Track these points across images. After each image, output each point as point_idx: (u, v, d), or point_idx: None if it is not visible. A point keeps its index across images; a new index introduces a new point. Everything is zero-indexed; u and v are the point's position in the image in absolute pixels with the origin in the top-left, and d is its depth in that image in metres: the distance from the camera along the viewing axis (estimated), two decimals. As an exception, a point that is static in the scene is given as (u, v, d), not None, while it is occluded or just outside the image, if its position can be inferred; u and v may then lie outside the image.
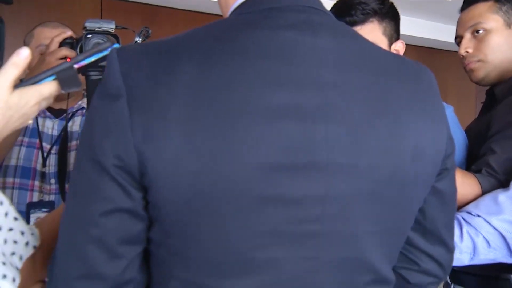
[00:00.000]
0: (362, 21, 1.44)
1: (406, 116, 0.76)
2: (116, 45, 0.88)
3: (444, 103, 1.35)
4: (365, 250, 0.77)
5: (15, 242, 0.84)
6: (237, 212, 0.68)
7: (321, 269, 0.74)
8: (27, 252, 0.86)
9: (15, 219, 0.85)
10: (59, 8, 3.83)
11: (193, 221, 0.69)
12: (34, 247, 0.87)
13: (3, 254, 0.81)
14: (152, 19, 4.23)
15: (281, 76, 0.70)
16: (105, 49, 0.87)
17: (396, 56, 0.84)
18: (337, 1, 1.51)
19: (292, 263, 0.72)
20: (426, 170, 0.80)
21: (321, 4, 0.80)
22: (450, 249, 0.93)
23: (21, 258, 0.84)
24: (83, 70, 0.88)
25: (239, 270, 0.71)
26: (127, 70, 0.69)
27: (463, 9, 1.59)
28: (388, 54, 0.83)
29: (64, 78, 0.85)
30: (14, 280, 0.81)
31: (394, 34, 1.51)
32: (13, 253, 0.83)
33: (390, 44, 1.50)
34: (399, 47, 1.53)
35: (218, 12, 0.91)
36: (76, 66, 0.86)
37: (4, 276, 0.79)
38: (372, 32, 1.45)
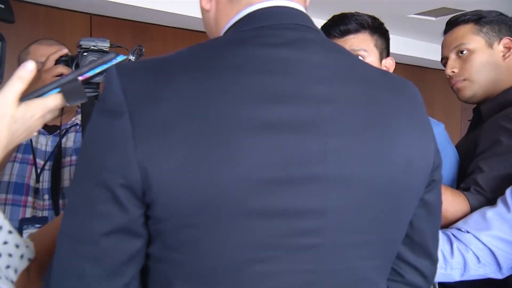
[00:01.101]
0: (355, 30, 1.51)
1: (396, 128, 0.78)
2: (120, 57, 0.86)
3: (435, 120, 1.38)
4: (360, 262, 0.78)
5: (9, 255, 0.83)
6: (234, 225, 0.69)
7: (317, 282, 0.75)
8: (22, 265, 0.85)
9: (10, 232, 0.85)
10: (49, 24, 3.83)
11: (193, 234, 0.69)
12: (29, 260, 0.87)
13: (-2, 267, 0.81)
14: (142, 35, 4.24)
15: (277, 91, 0.71)
16: (110, 60, 0.85)
17: (381, 70, 0.87)
18: (332, 16, 1.57)
19: (289, 276, 0.73)
20: (417, 182, 0.81)
21: (311, 22, 0.82)
22: (434, 261, 0.94)
23: (16, 271, 0.84)
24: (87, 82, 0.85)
25: (237, 282, 0.72)
26: (127, 86, 0.69)
27: (446, 31, 1.65)
28: (374, 68, 0.85)
29: (68, 90, 0.83)
30: (9, 293, 0.80)
31: (385, 50, 1.57)
32: (8, 266, 0.83)
33: (381, 59, 1.56)
34: (389, 64, 1.59)
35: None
36: (80, 78, 0.84)
37: (-1, 290, 0.79)
38: (365, 41, 1.52)
